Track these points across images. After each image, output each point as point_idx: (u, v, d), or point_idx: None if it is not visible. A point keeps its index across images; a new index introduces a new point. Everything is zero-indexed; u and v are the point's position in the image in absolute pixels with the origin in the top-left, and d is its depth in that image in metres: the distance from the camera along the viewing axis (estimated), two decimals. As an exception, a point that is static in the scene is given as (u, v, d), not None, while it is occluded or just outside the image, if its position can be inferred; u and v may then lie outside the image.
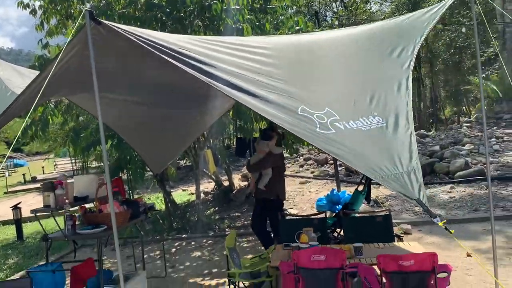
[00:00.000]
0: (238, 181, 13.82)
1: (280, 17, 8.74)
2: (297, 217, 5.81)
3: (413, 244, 4.59)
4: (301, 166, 16.62)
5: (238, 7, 6.78)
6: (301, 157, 17.34)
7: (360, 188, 6.66)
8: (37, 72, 5.42)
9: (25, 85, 4.22)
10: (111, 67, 3.33)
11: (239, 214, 10.11)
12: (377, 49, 3.24)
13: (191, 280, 5.92)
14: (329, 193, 7.84)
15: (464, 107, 30.37)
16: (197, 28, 6.45)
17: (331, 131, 2.31)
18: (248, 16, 7.26)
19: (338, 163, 10.05)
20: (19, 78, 4.54)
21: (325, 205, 7.65)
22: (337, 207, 7.29)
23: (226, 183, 12.06)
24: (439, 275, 3.65)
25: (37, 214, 4.32)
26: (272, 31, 8.21)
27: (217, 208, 10.80)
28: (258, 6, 8.75)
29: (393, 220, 7.85)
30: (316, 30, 7.87)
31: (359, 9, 27.63)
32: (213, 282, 5.78)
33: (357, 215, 5.97)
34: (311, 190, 12.85)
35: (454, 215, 8.21)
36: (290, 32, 7.76)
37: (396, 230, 7.41)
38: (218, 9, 6.36)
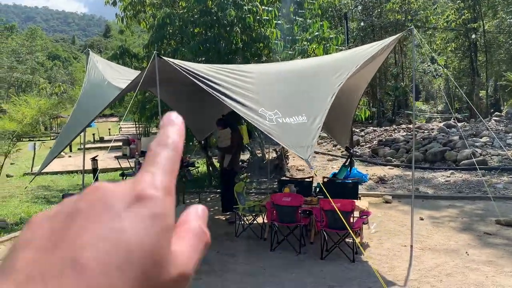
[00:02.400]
0: (270, 153, 16.01)
1: (308, 20, 10.61)
2: (293, 179, 7.92)
3: (364, 202, 6.64)
4: (335, 145, 18.50)
5: (267, 18, 8.82)
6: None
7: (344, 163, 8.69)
8: (121, 66, 7.86)
9: (115, 77, 6.60)
10: (169, 73, 5.59)
11: (266, 179, 12.36)
12: (326, 72, 5.24)
13: (215, 217, 8.30)
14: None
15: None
16: (235, 33, 8.58)
17: (273, 123, 4.39)
18: (278, 22, 9.28)
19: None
20: (111, 71, 6.89)
21: (335, 178, 9.71)
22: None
23: (259, 154, 14.31)
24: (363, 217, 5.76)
25: (118, 159, 6.83)
26: (299, 32, 10.16)
27: (249, 174, 13.11)
28: (292, 9, 10.68)
29: (387, 193, 9.74)
30: (333, 35, 9.68)
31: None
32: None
33: (338, 181, 7.99)
34: (333, 166, 14.84)
35: (438, 193, 9.95)
36: (310, 37, 9.66)
37: (380, 198, 9.39)
38: (251, 21, 8.45)
